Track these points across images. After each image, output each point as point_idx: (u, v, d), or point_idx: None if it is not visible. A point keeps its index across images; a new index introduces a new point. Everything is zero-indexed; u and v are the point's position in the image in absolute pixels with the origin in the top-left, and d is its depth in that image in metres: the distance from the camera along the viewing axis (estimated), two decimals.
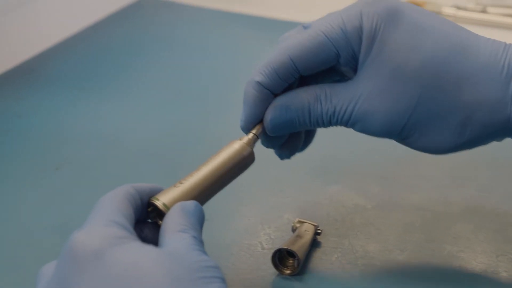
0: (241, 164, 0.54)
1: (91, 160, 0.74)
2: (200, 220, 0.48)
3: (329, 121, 0.54)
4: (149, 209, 0.50)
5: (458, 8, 1.03)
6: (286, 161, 0.66)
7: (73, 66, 0.94)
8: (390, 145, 0.75)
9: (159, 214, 0.50)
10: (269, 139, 0.57)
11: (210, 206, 0.52)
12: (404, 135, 0.53)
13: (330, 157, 0.74)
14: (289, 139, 0.58)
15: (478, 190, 0.69)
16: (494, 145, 0.56)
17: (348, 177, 0.71)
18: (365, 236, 0.62)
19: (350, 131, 0.55)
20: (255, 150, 0.55)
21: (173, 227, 0.46)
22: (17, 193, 0.68)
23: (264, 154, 0.59)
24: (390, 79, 0.52)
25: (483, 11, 1.02)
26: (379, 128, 0.53)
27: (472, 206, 0.66)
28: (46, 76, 0.92)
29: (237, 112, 0.81)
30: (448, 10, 1.03)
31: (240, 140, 0.55)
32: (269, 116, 0.55)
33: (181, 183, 0.51)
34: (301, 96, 0.54)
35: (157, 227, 0.49)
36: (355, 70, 0.54)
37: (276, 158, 0.62)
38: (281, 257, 0.58)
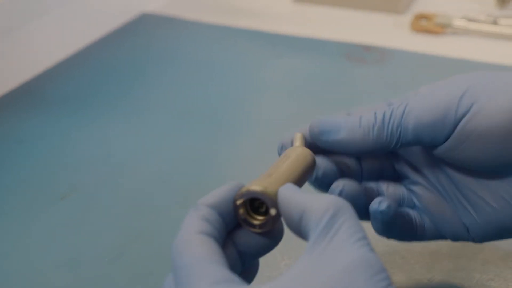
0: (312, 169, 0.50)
1: (99, 187, 0.70)
2: None
3: (382, 118, 0.50)
4: (240, 210, 0.45)
5: (469, 20, 1.00)
6: None
7: (75, 87, 0.91)
8: None
9: (255, 208, 0.45)
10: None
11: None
12: (461, 112, 0.48)
13: None
14: None
15: None
16: None
17: None
18: (389, 266, 0.59)
19: None
20: None
21: (318, 223, 0.40)
22: (20, 226, 0.65)
23: None
24: None
25: (494, 23, 1.00)
26: (435, 106, 0.49)
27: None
28: (47, 98, 0.88)
29: (248, 132, 0.79)
30: (458, 22, 1.00)
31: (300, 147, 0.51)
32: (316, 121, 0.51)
33: (269, 175, 0.46)
34: None
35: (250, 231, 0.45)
36: None
37: None
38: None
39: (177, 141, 0.79)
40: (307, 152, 0.50)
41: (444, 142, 0.49)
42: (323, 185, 0.52)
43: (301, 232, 0.42)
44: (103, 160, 0.75)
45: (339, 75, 0.92)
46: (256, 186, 0.44)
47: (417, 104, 0.49)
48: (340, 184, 0.51)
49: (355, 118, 0.51)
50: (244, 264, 0.45)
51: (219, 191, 0.45)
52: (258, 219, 0.45)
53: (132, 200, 0.69)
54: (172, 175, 0.72)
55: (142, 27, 1.08)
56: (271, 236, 0.46)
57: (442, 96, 0.49)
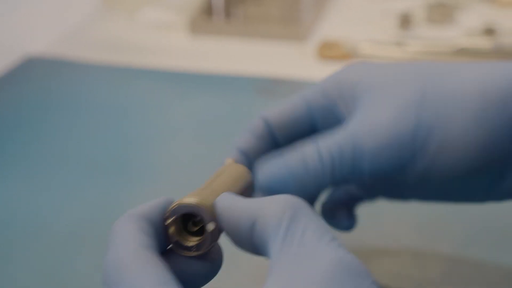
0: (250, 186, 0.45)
1: (4, 259, 0.63)
2: None
3: (331, 164, 0.46)
4: (171, 231, 0.39)
5: (375, 43, 0.98)
6: None
7: None
8: None
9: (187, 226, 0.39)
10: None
11: None
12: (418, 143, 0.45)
13: None
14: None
15: (454, 248, 0.62)
16: None
17: None
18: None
19: None
20: None
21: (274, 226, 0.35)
22: None
23: None
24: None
25: (399, 44, 0.97)
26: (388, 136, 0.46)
27: (451, 267, 0.60)
28: None
29: (159, 178, 0.73)
30: (364, 47, 0.98)
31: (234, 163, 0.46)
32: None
33: (202, 189, 0.40)
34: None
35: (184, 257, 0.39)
36: None
37: None
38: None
39: (86, 196, 0.72)
40: (242, 168, 0.45)
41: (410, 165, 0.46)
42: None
43: (254, 244, 0.37)
44: (6, 226, 0.67)
45: (250, 111, 0.87)
46: (188, 199, 0.38)
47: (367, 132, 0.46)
48: None
49: (297, 163, 0.46)
50: None
51: (152, 204, 0.39)
52: (193, 240, 0.39)
53: (46, 268, 0.61)
54: (87, 236, 0.65)
55: (30, 72, 0.99)
56: (211, 260, 0.39)
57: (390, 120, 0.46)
